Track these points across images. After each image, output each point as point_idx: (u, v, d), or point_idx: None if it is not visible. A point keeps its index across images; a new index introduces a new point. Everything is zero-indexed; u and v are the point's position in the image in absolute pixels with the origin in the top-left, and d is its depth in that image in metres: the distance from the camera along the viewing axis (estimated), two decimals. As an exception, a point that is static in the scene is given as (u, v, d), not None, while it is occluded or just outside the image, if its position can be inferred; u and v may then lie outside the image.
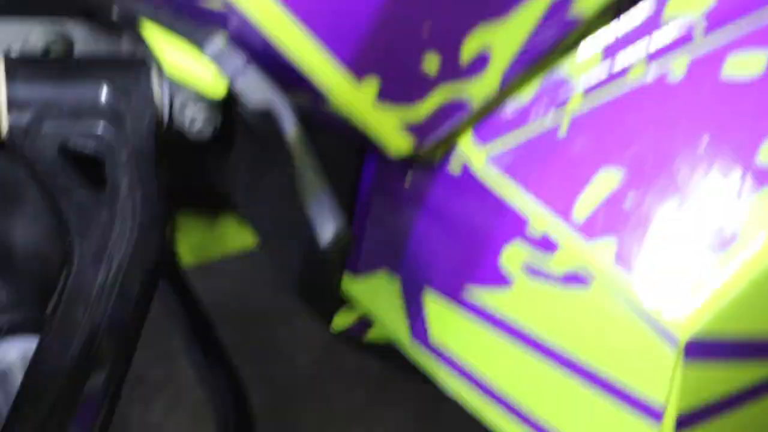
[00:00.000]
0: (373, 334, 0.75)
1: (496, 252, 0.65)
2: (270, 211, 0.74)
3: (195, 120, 0.71)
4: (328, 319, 0.73)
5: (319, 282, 0.71)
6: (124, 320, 0.62)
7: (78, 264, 0.64)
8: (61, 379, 0.59)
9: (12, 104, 0.68)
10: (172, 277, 0.99)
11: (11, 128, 0.68)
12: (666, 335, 0.60)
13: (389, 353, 0.76)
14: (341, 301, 0.74)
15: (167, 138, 0.71)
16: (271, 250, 0.77)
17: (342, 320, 0.74)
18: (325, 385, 1.28)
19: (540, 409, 0.65)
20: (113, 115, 0.68)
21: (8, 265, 0.74)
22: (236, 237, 1.11)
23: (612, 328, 0.61)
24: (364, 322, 0.75)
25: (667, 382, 0.60)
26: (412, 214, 0.69)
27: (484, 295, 0.65)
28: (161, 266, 0.66)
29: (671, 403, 0.61)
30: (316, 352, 1.31)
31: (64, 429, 0.59)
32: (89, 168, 0.69)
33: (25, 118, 0.68)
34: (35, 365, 0.60)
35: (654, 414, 0.61)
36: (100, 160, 0.69)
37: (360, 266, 0.73)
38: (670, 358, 0.60)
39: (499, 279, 0.65)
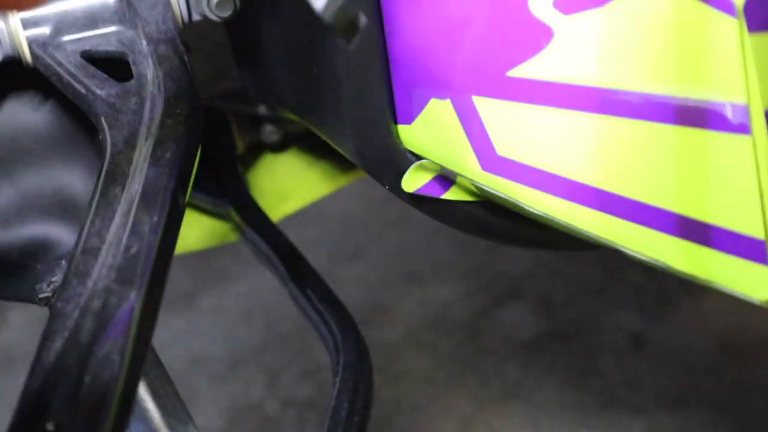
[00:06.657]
0: (454, 194, 0.70)
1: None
2: (319, 80, 0.71)
3: None
4: (397, 179, 0.69)
5: (368, 129, 0.68)
6: (158, 186, 0.59)
7: (110, 150, 0.62)
8: (105, 250, 0.57)
9: (26, 22, 0.68)
10: (257, 225, 0.98)
11: (30, 43, 0.68)
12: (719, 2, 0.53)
13: (470, 218, 0.71)
14: (405, 157, 0.70)
15: (192, 23, 0.70)
16: (329, 128, 0.74)
17: (414, 178, 0.70)
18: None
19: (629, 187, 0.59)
20: (127, 15, 0.69)
21: (78, 215, 0.74)
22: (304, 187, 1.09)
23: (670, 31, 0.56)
24: (443, 181, 0.70)
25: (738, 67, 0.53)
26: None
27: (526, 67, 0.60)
28: (194, 132, 0.64)
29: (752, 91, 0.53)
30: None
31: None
32: (114, 70, 0.69)
33: (43, 33, 0.68)
34: (82, 247, 0.58)
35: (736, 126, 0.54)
36: (123, 58, 0.69)
37: (410, 109, 0.68)
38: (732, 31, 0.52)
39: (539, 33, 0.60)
